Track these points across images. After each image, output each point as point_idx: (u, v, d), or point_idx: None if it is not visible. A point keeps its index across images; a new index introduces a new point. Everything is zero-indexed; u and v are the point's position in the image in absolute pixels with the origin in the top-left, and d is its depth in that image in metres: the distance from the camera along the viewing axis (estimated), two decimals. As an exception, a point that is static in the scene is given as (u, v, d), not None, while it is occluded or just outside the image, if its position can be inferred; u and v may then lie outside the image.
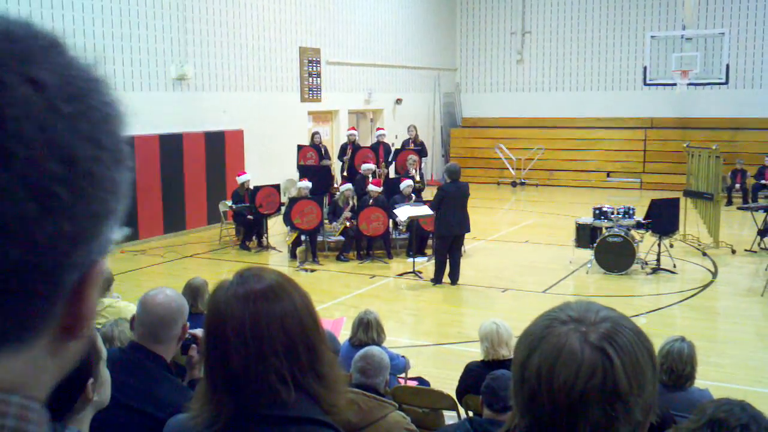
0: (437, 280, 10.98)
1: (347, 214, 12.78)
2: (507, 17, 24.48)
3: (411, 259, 11.94)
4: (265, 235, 13.60)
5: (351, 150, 15.33)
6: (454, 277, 10.99)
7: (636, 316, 9.28)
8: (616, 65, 23.20)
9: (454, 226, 10.78)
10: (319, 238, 12.75)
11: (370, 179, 13.59)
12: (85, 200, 0.62)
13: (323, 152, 15.51)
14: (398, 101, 21.87)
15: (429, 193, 13.44)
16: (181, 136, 14.82)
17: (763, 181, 18.24)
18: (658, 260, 11.58)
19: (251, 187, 13.50)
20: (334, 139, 19.22)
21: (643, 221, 11.60)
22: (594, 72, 23.53)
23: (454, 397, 5.20)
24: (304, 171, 14.21)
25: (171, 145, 14.54)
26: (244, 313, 1.53)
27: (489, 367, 4.84)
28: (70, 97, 0.62)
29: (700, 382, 4.63)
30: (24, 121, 0.58)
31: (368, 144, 16.71)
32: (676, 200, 11.96)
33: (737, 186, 18.49)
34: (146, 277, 11.54)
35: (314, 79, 18.51)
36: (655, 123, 22.60)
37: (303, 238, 12.58)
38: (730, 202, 17.71)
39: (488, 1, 24.74)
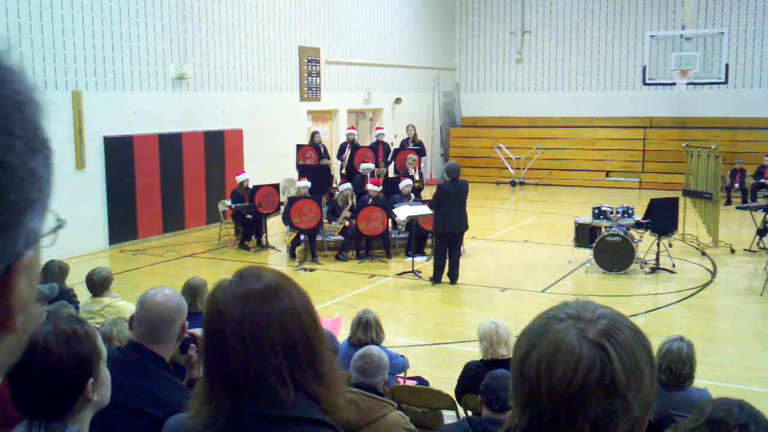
0: (436, 279, 10.98)
1: (346, 213, 12.78)
2: (506, 17, 24.48)
3: (410, 259, 11.94)
4: (264, 234, 13.60)
5: (350, 149, 15.33)
6: (453, 277, 10.99)
7: (635, 315, 9.28)
8: (616, 65, 23.20)
9: (453, 224, 10.78)
10: (319, 238, 12.75)
11: (368, 178, 13.59)
12: (0, 189, 0.60)
13: (322, 152, 15.51)
14: (398, 101, 21.87)
15: (428, 193, 13.45)
16: (181, 136, 14.81)
17: (762, 181, 18.26)
18: (657, 260, 11.58)
19: (250, 186, 13.51)
20: (333, 138, 19.22)
21: (642, 221, 11.60)
22: (593, 71, 23.53)
23: (453, 396, 5.20)
24: (303, 170, 14.21)
25: (170, 144, 14.53)
26: (243, 312, 1.53)
27: (488, 366, 4.84)
28: None
29: (698, 382, 4.63)
30: None
31: (367, 143, 16.72)
32: (675, 200, 11.96)
33: (736, 185, 18.49)
34: (145, 277, 11.54)
35: (313, 78, 18.50)
36: (654, 122, 22.60)
37: (302, 237, 12.58)
38: (729, 202, 17.72)
39: (488, 0, 24.74)
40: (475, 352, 5.53)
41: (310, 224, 12.21)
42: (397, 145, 16.59)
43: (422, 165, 15.29)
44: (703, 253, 12.80)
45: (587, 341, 1.13)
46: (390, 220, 12.59)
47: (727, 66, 19.63)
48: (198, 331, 2.77)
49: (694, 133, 20.56)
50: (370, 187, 12.85)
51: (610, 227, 11.48)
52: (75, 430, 1.92)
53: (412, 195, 13.00)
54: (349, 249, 12.76)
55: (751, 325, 9.35)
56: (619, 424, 1.11)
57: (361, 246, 12.74)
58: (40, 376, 1.88)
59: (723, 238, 13.22)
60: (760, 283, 10.61)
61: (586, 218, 12.10)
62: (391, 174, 15.18)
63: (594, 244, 11.39)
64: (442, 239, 10.86)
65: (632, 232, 11.64)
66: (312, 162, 14.89)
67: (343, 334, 6.60)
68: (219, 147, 15.72)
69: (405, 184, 12.88)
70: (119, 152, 13.54)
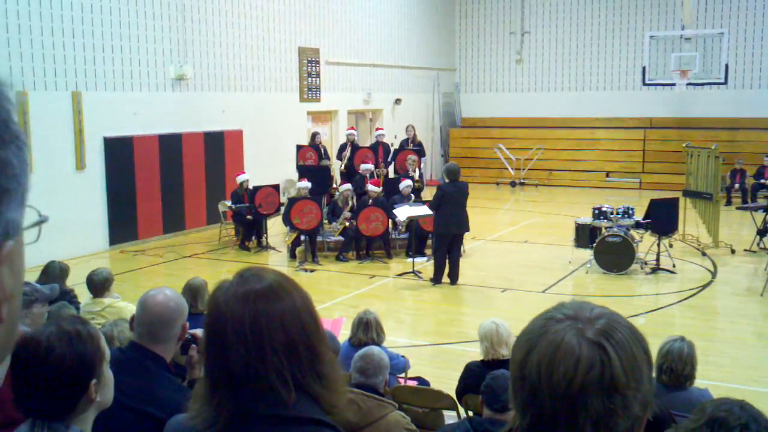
0: (437, 280, 10.98)
1: (347, 214, 12.78)
2: (506, 17, 24.49)
3: (410, 259, 11.94)
4: (265, 235, 13.60)
5: (350, 149, 15.33)
6: (454, 277, 10.99)
7: (635, 315, 9.29)
8: (615, 65, 23.21)
9: (453, 225, 10.78)
10: (319, 238, 12.74)
11: (368, 179, 13.59)
12: None
13: (323, 152, 15.51)
14: (397, 101, 21.87)
15: (428, 193, 13.45)
16: (181, 136, 14.81)
17: (762, 181, 18.25)
18: (657, 260, 11.58)
19: (250, 187, 13.51)
20: (333, 139, 19.22)
21: (642, 221, 11.60)
22: (593, 72, 23.53)
23: (454, 396, 5.20)
24: (303, 171, 14.20)
25: (170, 145, 14.53)
26: (244, 312, 1.53)
27: (489, 366, 4.84)
28: None
29: (699, 382, 4.63)
30: None
31: (367, 144, 16.72)
32: (676, 200, 11.96)
33: (736, 186, 18.49)
34: (146, 277, 11.54)
35: (313, 79, 18.50)
36: (654, 123, 22.60)
37: (302, 238, 12.58)
38: (729, 202, 17.72)
39: (487, 1, 24.74)
40: (475, 353, 5.53)
41: (310, 225, 12.21)
42: (396, 146, 16.59)
43: (422, 165, 15.29)
44: (704, 254, 12.80)
45: (586, 341, 1.14)
46: (390, 220, 12.59)
47: (726, 66, 19.63)
48: (199, 332, 2.77)
49: (694, 134, 20.56)
50: (370, 187, 12.85)
51: (611, 228, 11.48)
52: (78, 430, 1.92)
53: (412, 195, 12.99)
54: (349, 249, 12.75)
55: (752, 325, 9.35)
56: (620, 422, 1.12)
57: (362, 246, 12.74)
58: (44, 377, 1.88)
59: (723, 238, 13.22)
60: (760, 283, 10.61)
61: (587, 219, 12.10)
62: (391, 174, 15.18)
63: (594, 245, 11.39)
64: (442, 240, 10.86)
65: (632, 232, 11.64)
66: (312, 163, 14.89)
67: (343, 335, 6.60)
68: (219, 148, 15.73)
69: (405, 184, 12.88)
70: (119, 153, 13.54)
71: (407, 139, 16.32)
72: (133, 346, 2.74)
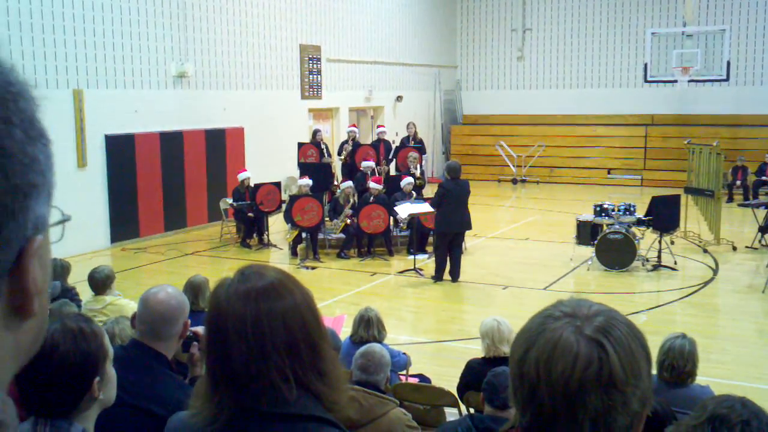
0: (438, 277, 10.98)
1: (348, 211, 12.78)
2: (507, 14, 24.46)
3: (412, 257, 11.94)
4: (266, 232, 13.60)
5: (352, 145, 15.31)
6: (455, 275, 10.99)
7: (636, 313, 9.29)
8: (617, 62, 23.18)
9: (454, 223, 10.78)
10: (320, 236, 12.75)
11: (370, 176, 13.59)
12: (2, 174, 0.64)
13: (324, 150, 15.50)
14: (399, 98, 21.86)
15: (430, 191, 13.45)
16: (182, 134, 14.81)
17: (763, 178, 18.24)
18: (658, 257, 11.57)
19: (252, 184, 13.51)
20: (334, 136, 19.22)
21: (643, 218, 11.59)
22: (595, 69, 23.51)
23: (455, 393, 5.21)
24: (304, 168, 14.20)
25: (172, 142, 14.54)
26: (245, 310, 1.53)
27: (490, 363, 4.84)
28: None
29: (701, 379, 4.63)
30: None
31: (369, 142, 16.71)
32: (677, 197, 11.95)
33: (738, 183, 18.47)
34: (147, 275, 11.55)
35: (315, 76, 18.49)
36: (655, 120, 22.58)
37: (304, 235, 12.58)
38: (730, 199, 17.71)
39: (489, -2, 24.73)
40: (477, 350, 5.54)
41: (311, 222, 12.21)
42: (397, 143, 16.58)
43: (423, 163, 15.29)
44: (705, 251, 12.80)
45: (584, 338, 1.14)
46: (391, 218, 12.59)
47: (728, 63, 19.62)
48: (200, 329, 2.77)
49: (696, 131, 20.54)
50: (371, 185, 12.84)
51: (612, 225, 11.48)
52: (80, 428, 1.92)
53: (414, 193, 12.99)
54: (350, 247, 12.76)
55: (753, 322, 9.35)
56: (618, 418, 1.13)
57: (363, 244, 12.74)
58: (47, 374, 1.88)
59: (725, 235, 13.21)
60: (761, 280, 10.61)
61: (588, 216, 12.09)
62: (393, 172, 15.17)
63: (596, 242, 11.39)
64: (443, 238, 10.86)
65: (634, 229, 11.64)
66: (313, 160, 14.89)
67: (345, 332, 6.60)
68: (220, 145, 15.73)
69: (406, 182, 12.88)
70: (120, 150, 13.54)
71: (408, 137, 16.31)
72: (135, 344, 2.74)
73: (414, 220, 12.04)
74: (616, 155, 22.41)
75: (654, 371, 4.12)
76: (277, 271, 1.63)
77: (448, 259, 10.95)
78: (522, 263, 12.22)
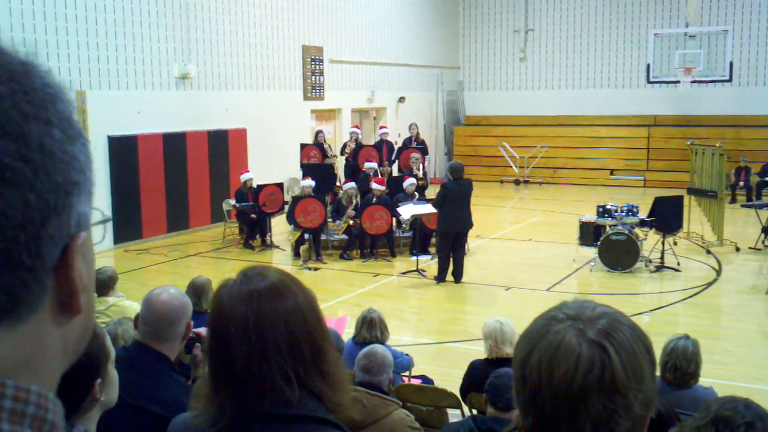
0: (440, 278, 10.97)
1: (351, 212, 12.78)
2: (510, 15, 24.45)
3: (414, 258, 11.94)
4: (269, 233, 13.61)
5: (354, 146, 15.30)
6: (458, 276, 10.98)
7: (639, 314, 9.28)
8: (620, 63, 23.17)
9: (456, 223, 10.77)
10: (323, 237, 12.75)
11: (372, 177, 13.59)
12: (45, 172, 0.66)
13: (326, 151, 15.49)
14: (401, 99, 21.86)
15: (432, 191, 13.44)
16: (185, 135, 14.83)
17: (767, 179, 18.21)
18: (661, 258, 11.56)
19: (254, 185, 13.51)
20: (337, 137, 19.22)
21: (646, 219, 11.58)
22: (597, 70, 23.50)
23: (458, 395, 5.20)
24: (307, 169, 14.20)
25: (174, 143, 14.55)
26: (247, 311, 1.52)
27: (493, 365, 4.84)
28: (4, 80, 0.66)
29: (704, 380, 4.62)
30: None
31: (371, 142, 16.71)
32: (680, 198, 11.94)
33: (741, 183, 18.45)
34: (150, 276, 11.56)
35: (317, 77, 18.50)
36: (658, 121, 22.56)
37: (306, 236, 12.59)
38: (734, 200, 17.69)
39: (491, -1, 24.74)
40: (479, 351, 5.53)
41: (314, 223, 12.21)
42: (400, 144, 16.58)
43: (426, 163, 15.28)
44: (708, 252, 12.78)
45: (587, 341, 1.13)
46: (394, 219, 12.59)
47: (731, 64, 19.59)
48: (203, 331, 2.77)
49: (699, 131, 20.51)
50: (374, 186, 12.84)
51: (615, 226, 11.46)
52: (82, 430, 1.92)
53: (417, 194, 12.99)
54: (353, 248, 12.76)
55: (757, 323, 9.33)
56: (621, 422, 1.12)
57: (366, 245, 12.74)
58: None
59: (728, 236, 13.19)
60: (765, 281, 10.59)
61: (591, 217, 12.08)
62: (395, 173, 15.17)
63: (599, 243, 11.38)
64: (445, 238, 10.85)
65: (637, 230, 11.62)
66: (316, 161, 14.89)
67: (347, 333, 6.60)
68: (223, 146, 15.74)
69: (409, 183, 12.88)
70: (123, 152, 13.56)
71: (411, 138, 16.30)
72: (138, 345, 2.74)
73: (417, 221, 12.04)
74: (618, 156, 22.39)
75: (657, 372, 4.11)
76: (280, 272, 1.63)
77: (451, 260, 10.95)
78: (525, 264, 12.21)
